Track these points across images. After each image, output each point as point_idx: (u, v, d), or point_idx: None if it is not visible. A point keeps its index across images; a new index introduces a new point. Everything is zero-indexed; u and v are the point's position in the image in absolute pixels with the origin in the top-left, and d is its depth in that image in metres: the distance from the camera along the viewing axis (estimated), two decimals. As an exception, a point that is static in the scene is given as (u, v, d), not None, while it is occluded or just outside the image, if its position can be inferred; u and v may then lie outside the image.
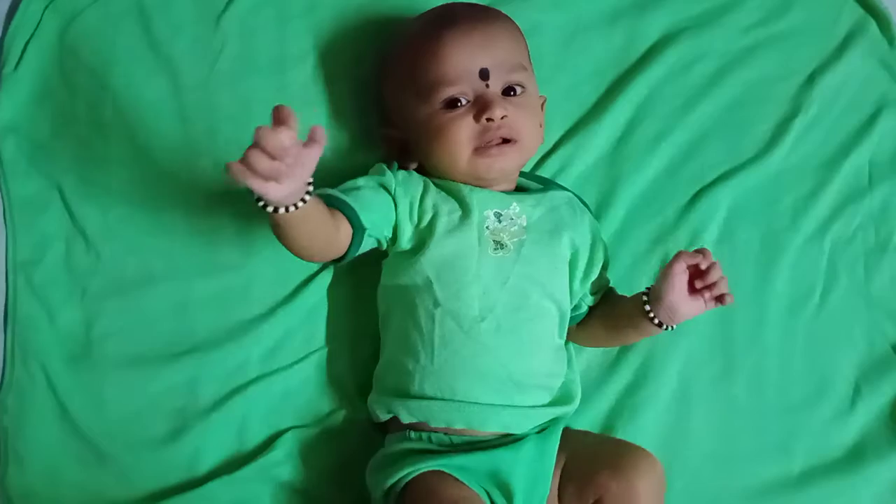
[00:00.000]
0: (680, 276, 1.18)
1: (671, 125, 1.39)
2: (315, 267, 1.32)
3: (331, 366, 1.31)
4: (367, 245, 1.21)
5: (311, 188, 1.04)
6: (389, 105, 1.30)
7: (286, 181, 0.98)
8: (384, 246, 1.24)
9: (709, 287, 1.18)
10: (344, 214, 1.16)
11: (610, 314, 1.28)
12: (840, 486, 1.31)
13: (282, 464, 1.27)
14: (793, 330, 1.36)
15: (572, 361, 1.27)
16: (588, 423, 1.31)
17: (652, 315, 1.20)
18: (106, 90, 1.33)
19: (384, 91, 1.31)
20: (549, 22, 1.39)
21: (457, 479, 1.15)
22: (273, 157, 0.96)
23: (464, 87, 1.22)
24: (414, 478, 1.15)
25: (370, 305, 1.29)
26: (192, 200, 1.32)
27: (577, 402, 1.26)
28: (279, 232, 1.10)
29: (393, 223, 1.22)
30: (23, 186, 1.32)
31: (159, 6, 1.35)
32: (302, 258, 1.18)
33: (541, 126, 1.29)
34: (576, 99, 1.40)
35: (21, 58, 1.33)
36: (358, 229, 1.17)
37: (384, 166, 1.25)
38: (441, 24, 1.25)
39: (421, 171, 1.28)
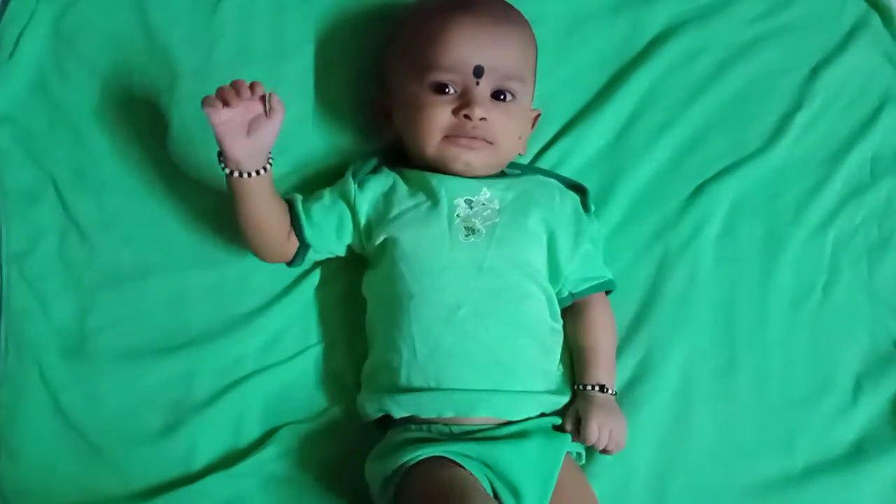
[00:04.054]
0: None
1: (673, 118, 1.38)
2: (311, 261, 1.32)
3: (327, 361, 1.30)
4: (314, 258, 1.27)
5: (270, 162, 1.18)
6: (386, 71, 1.31)
7: (247, 132, 1.14)
8: (348, 251, 1.27)
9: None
10: (294, 229, 1.24)
11: (571, 344, 1.28)
12: (842, 483, 1.29)
13: (278, 459, 1.26)
14: (795, 325, 1.34)
15: (565, 353, 1.27)
16: (588, 418, 1.30)
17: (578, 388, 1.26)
18: (101, 80, 1.33)
19: (386, 56, 1.31)
20: (551, 12, 1.39)
21: (457, 463, 1.14)
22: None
23: (455, 77, 1.22)
24: (414, 463, 1.14)
25: (365, 301, 1.28)
26: (188, 192, 1.31)
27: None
28: (237, 206, 1.19)
29: (350, 233, 1.25)
30: (16, 177, 1.31)
31: (155, -6, 1.35)
32: (253, 249, 1.25)
33: (522, 139, 1.29)
34: (576, 90, 1.39)
35: (15, 47, 1.33)
36: (302, 245, 1.24)
37: (349, 174, 1.26)
38: (458, 5, 1.24)
39: (398, 146, 1.29)
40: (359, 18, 1.37)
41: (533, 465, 1.16)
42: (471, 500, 1.08)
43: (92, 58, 1.33)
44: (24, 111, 1.32)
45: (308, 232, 1.23)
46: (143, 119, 1.32)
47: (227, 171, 1.17)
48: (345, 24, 1.37)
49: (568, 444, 1.20)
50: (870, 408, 1.32)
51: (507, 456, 1.15)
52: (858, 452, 1.30)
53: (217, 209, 1.31)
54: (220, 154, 1.17)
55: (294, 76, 1.35)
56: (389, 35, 1.32)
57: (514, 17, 1.28)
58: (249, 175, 1.16)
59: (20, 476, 1.25)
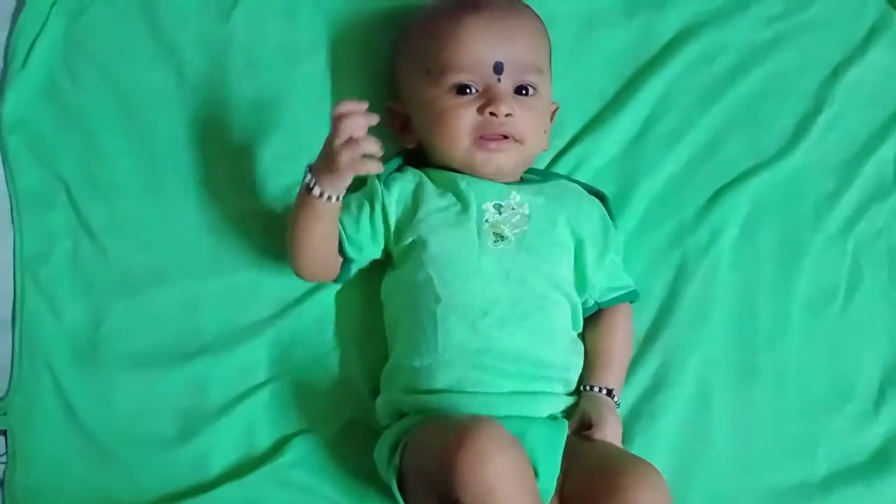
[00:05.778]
0: None
1: (690, 121, 1.37)
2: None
3: (341, 368, 1.29)
4: (357, 268, 1.25)
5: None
6: (399, 80, 1.30)
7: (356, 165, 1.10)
8: (382, 254, 1.25)
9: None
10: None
11: (586, 346, 1.26)
12: (863, 491, 1.28)
13: (292, 467, 1.25)
14: (815, 331, 1.33)
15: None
16: (606, 426, 1.29)
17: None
18: (112, 85, 1.33)
19: (397, 65, 1.31)
20: (565, 14, 1.38)
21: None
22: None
23: (475, 77, 1.22)
24: (423, 421, 1.14)
25: (381, 307, 1.27)
26: (200, 196, 1.31)
27: None
28: (308, 227, 1.17)
29: (382, 235, 1.23)
30: (29, 182, 1.31)
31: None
32: (305, 271, 1.23)
33: (546, 132, 1.28)
34: (592, 94, 1.38)
35: (28, 56, 1.32)
36: (346, 261, 1.23)
37: (376, 181, 1.24)
38: (465, 6, 1.24)
39: (420, 151, 1.28)
40: (371, 20, 1.36)
41: (541, 441, 1.15)
42: (477, 422, 1.05)
43: (103, 63, 1.32)
44: (36, 116, 1.32)
45: (349, 248, 1.22)
46: (154, 124, 1.32)
47: (319, 194, 1.13)
48: (357, 26, 1.36)
49: (566, 427, 1.19)
50: (892, 415, 1.31)
51: (518, 430, 1.13)
52: (880, 461, 1.29)
53: (229, 213, 1.30)
54: (312, 177, 1.13)
55: (308, 79, 1.34)
56: (397, 44, 1.31)
57: (522, 10, 1.28)
58: (333, 199, 1.14)
59: (32, 481, 1.24)
